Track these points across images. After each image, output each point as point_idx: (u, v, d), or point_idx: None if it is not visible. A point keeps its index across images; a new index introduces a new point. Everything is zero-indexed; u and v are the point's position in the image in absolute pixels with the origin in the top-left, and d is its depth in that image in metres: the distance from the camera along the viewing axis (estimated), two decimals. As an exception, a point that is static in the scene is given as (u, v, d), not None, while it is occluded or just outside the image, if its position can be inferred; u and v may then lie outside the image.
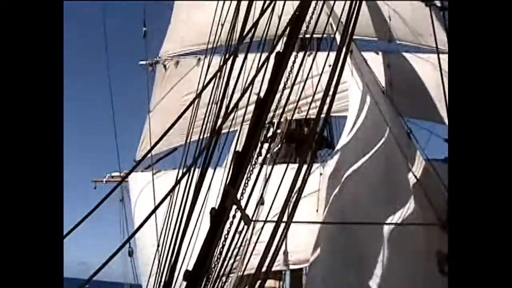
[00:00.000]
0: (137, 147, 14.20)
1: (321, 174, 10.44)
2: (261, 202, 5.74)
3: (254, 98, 4.42)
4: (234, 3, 6.26)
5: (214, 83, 5.81)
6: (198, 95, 4.48)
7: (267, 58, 3.92)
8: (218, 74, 6.43)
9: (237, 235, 3.80)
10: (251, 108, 4.61)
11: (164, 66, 14.07)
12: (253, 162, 3.67)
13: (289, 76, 4.14)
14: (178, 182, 3.62)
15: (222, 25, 7.05)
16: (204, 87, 4.50)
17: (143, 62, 14.38)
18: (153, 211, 3.06)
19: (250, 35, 4.28)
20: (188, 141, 7.09)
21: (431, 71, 11.77)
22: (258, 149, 4.13)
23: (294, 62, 4.27)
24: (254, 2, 4.84)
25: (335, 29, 6.58)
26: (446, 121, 11.63)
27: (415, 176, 6.31)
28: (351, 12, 3.50)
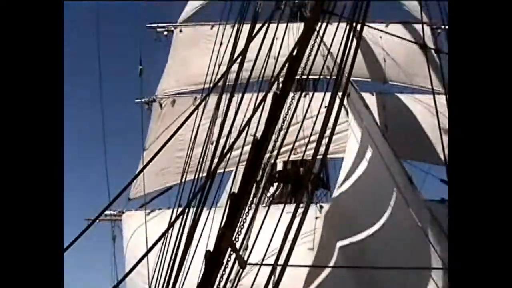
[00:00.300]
0: (131, 185, 14.10)
1: (317, 217, 10.33)
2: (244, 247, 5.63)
3: (250, 138, 4.39)
4: (231, 43, 6.33)
5: (211, 123, 5.81)
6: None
7: (263, 98, 3.93)
8: (214, 114, 6.44)
9: (232, 278, 3.72)
10: (247, 148, 4.59)
11: (160, 104, 14.11)
12: (249, 204, 3.62)
13: (285, 117, 4.13)
14: (171, 225, 3.56)
15: (219, 65, 7.11)
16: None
17: (139, 100, 14.42)
18: (144, 256, 2.99)
19: (246, 76, 4.30)
20: (183, 180, 7.03)
21: (426, 112, 11.85)
22: (253, 191, 4.08)
23: (290, 103, 4.27)
24: (250, 44, 4.89)
25: (331, 70, 6.64)
26: (442, 162, 11.65)
27: (417, 221, 6.28)
28: (346, 52, 3.52)
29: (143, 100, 14.40)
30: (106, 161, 12.26)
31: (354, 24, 3.70)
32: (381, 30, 10.90)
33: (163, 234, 3.55)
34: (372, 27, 9.95)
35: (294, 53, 3.40)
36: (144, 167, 3.84)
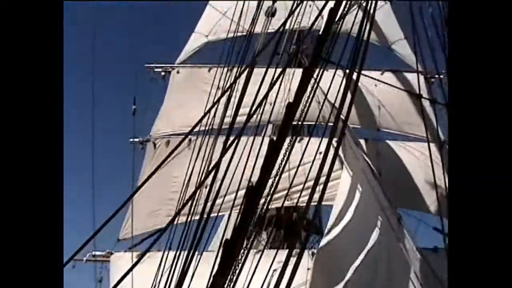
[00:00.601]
0: (121, 225, 13.91)
1: (308, 269, 10.15)
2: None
3: (244, 183, 4.36)
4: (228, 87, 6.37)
5: (204, 166, 5.78)
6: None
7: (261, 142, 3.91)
8: (209, 155, 6.42)
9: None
10: (241, 192, 4.55)
11: (154, 145, 14.08)
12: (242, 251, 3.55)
13: (281, 163, 4.11)
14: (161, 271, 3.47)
15: (216, 109, 7.12)
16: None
17: (133, 140, 14.40)
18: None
19: (242, 120, 4.30)
20: (175, 223, 6.92)
21: (420, 160, 11.89)
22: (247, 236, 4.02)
23: (286, 149, 4.26)
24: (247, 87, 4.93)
25: (327, 117, 6.68)
26: (435, 210, 11.61)
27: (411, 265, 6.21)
28: (343, 100, 3.55)
29: (136, 140, 14.37)
30: (94, 200, 12.16)
31: (351, 72, 3.76)
32: (376, 79, 11.04)
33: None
34: (366, 76, 10.08)
35: (292, 100, 3.43)
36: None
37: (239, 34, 10.69)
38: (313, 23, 4.20)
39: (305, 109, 4.08)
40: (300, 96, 3.52)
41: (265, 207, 4.01)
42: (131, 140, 14.43)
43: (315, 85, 3.95)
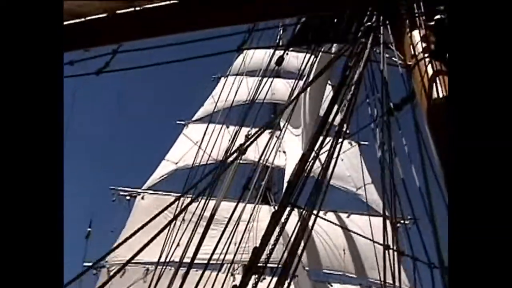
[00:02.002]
0: None
1: None
2: None
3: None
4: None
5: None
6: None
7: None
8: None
9: None
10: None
11: (109, 271, 13.43)
12: None
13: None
14: None
15: (178, 243, 6.93)
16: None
17: (88, 264, 13.73)
18: None
19: (206, 258, 4.15)
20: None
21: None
22: None
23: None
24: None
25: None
26: None
27: None
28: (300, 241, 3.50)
29: (88, 264, 13.68)
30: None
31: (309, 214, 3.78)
32: (338, 224, 11.11)
33: None
34: (326, 220, 10.15)
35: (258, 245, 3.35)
36: None
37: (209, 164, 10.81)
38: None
39: (270, 253, 3.99)
40: (267, 239, 3.45)
41: None
42: (84, 264, 13.75)
43: (282, 230, 3.90)
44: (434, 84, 3.25)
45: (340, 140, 3.73)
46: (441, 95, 3.18)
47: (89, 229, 12.89)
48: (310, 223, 3.74)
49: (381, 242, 5.06)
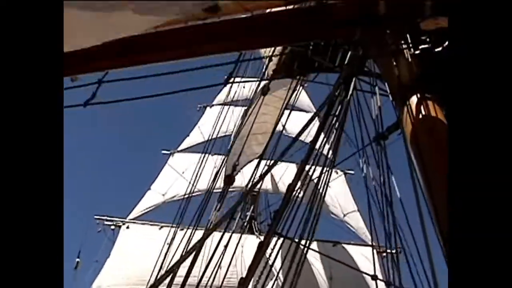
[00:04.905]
0: None
1: None
2: None
3: None
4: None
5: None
6: None
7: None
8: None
9: None
10: None
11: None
12: None
13: None
14: None
15: (166, 270, 6.82)
16: None
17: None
18: None
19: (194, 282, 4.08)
20: None
21: None
22: None
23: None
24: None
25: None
26: None
27: None
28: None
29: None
30: None
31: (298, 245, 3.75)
32: (326, 255, 11.05)
33: None
34: (314, 251, 10.08)
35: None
36: None
37: (195, 194, 10.74)
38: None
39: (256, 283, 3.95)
40: (253, 270, 3.40)
41: None
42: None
43: (268, 260, 3.87)
44: (419, 113, 3.28)
45: (328, 170, 3.73)
46: (426, 124, 3.21)
47: (77, 260, 12.73)
48: (299, 254, 3.72)
49: (369, 271, 5.02)
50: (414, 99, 3.32)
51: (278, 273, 4.86)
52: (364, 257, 11.94)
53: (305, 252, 4.06)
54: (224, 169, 7.84)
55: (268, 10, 3.56)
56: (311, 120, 3.45)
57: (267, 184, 15.43)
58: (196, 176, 8.59)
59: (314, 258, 11.90)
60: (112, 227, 14.70)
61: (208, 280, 5.40)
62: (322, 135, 3.74)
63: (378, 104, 3.95)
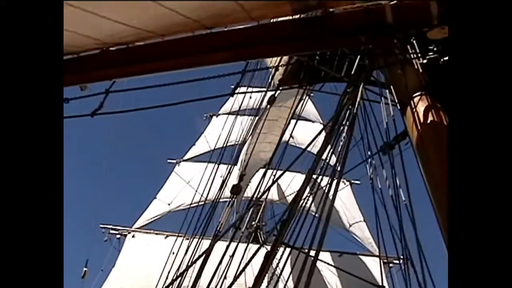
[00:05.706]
0: None
1: None
2: None
3: None
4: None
5: None
6: None
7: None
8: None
9: None
10: None
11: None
12: None
13: None
14: None
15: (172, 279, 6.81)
16: None
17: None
18: None
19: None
20: None
21: None
22: None
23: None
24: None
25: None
26: None
27: None
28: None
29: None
30: None
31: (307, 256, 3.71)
32: (333, 265, 10.96)
33: None
34: (321, 261, 10.01)
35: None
36: None
37: (201, 204, 10.72)
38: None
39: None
40: (260, 281, 3.38)
41: None
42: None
43: (275, 270, 3.83)
44: (426, 122, 3.26)
45: (335, 180, 3.69)
46: (434, 133, 3.19)
47: (85, 269, 12.70)
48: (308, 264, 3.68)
49: (375, 281, 4.98)
50: (421, 108, 3.31)
51: (286, 282, 4.83)
52: (370, 267, 11.86)
53: (313, 262, 4.02)
54: (229, 178, 7.83)
55: (274, 20, 3.56)
56: (320, 132, 3.43)
57: (273, 193, 15.40)
58: (202, 185, 8.57)
59: (320, 269, 11.82)
60: (118, 236, 14.70)
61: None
62: (329, 145, 3.72)
63: (385, 113, 3.93)
